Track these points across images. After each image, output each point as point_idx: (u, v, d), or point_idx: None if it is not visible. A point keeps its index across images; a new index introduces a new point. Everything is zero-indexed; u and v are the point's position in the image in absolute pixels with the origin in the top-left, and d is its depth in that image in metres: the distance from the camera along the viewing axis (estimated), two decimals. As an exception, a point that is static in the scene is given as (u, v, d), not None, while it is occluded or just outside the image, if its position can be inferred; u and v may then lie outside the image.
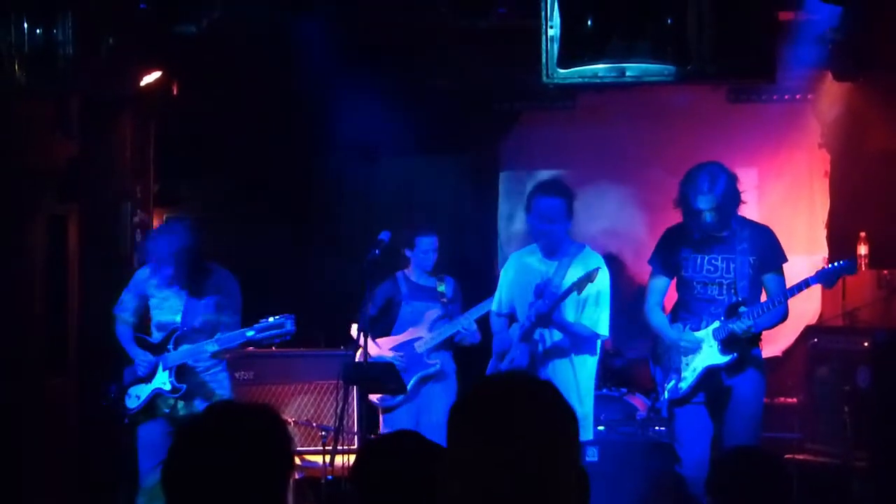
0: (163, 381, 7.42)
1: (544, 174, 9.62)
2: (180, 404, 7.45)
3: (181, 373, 7.43)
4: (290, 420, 8.58)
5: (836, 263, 6.96)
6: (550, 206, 7.21)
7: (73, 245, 8.80)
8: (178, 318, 7.48)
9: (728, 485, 3.91)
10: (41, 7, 6.67)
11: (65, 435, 8.56)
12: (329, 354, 8.66)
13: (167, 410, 7.45)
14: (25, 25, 6.65)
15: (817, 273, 6.91)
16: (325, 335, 9.03)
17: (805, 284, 6.86)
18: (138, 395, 7.48)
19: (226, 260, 7.69)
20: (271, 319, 7.35)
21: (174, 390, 7.40)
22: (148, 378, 7.45)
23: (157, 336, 7.54)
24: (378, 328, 8.17)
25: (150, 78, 8.54)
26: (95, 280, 8.64)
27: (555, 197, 7.22)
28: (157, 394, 7.44)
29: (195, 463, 2.83)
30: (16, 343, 8.18)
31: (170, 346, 7.44)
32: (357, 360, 7.65)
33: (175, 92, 9.05)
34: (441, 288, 8.28)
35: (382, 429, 7.97)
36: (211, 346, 7.38)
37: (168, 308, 7.52)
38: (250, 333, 7.35)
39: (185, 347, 7.42)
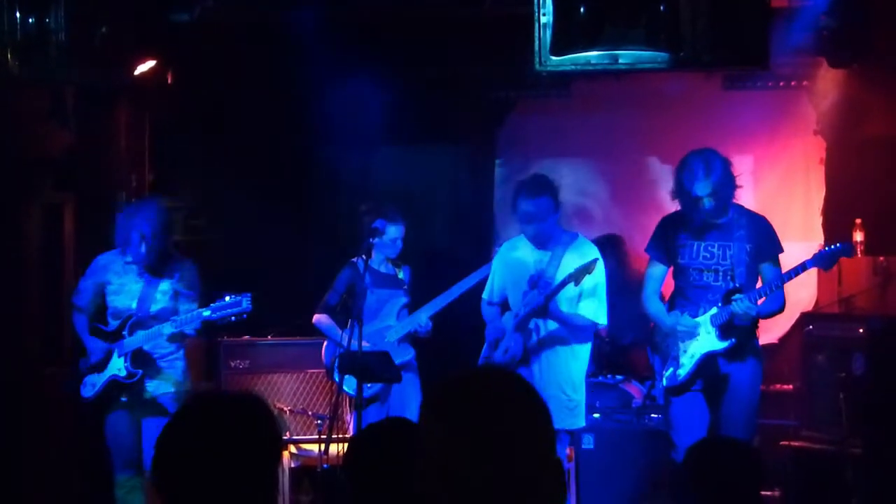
0: (118, 367, 7.34)
1: (540, 163, 9.64)
2: (137, 390, 7.38)
3: (136, 358, 7.34)
4: (285, 409, 8.59)
5: (832, 246, 6.94)
6: (534, 205, 7.21)
7: (69, 234, 8.81)
8: (134, 305, 7.41)
9: (700, 472, 3.91)
10: (34, -5, 6.68)
11: (61, 423, 8.56)
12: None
13: (125, 399, 7.39)
14: (18, 14, 6.64)
15: (814, 256, 6.89)
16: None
17: (802, 268, 6.84)
18: (94, 383, 7.42)
19: (221, 249, 7.69)
20: (227, 298, 7.25)
21: (129, 375, 7.32)
22: (101, 366, 7.39)
23: (112, 324, 7.46)
24: (341, 317, 8.06)
25: (144, 67, 8.52)
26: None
27: (537, 197, 7.22)
28: (113, 381, 7.37)
29: (183, 454, 2.83)
30: (12, 332, 8.20)
31: (125, 333, 7.36)
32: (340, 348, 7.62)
33: (170, 81, 9.04)
34: (401, 275, 8.23)
35: (354, 418, 7.90)
36: (168, 329, 7.28)
37: (125, 294, 7.44)
38: (206, 313, 7.24)
39: (140, 333, 7.34)
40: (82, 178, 8.82)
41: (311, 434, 8.42)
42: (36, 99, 8.36)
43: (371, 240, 7.76)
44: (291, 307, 9.10)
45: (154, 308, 7.42)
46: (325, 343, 8.19)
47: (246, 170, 9.97)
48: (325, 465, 7.78)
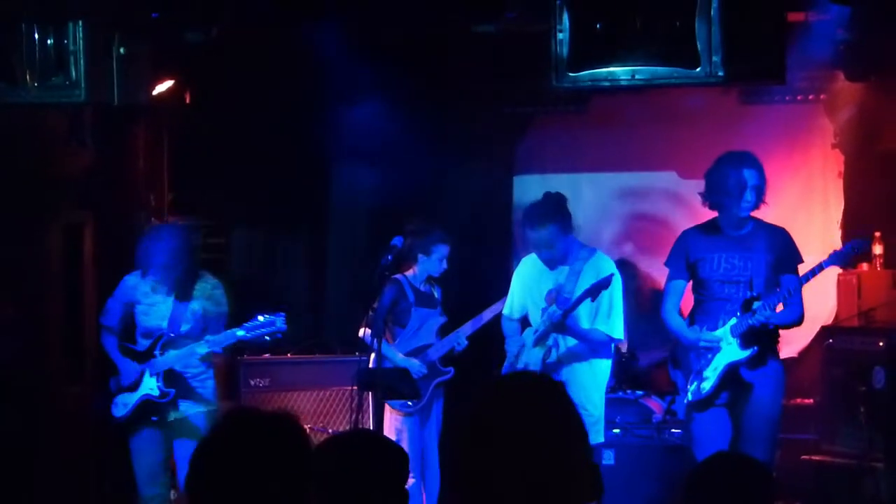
0: (150, 386, 7.36)
1: (558, 178, 9.66)
2: (168, 410, 7.40)
3: (169, 378, 7.36)
4: (305, 427, 8.60)
5: (847, 243, 6.95)
6: (541, 237, 7.23)
7: (89, 254, 8.85)
8: (165, 324, 7.42)
9: (708, 488, 3.87)
10: (52, 17, 6.70)
11: (83, 443, 8.59)
12: (344, 361, 8.66)
13: (156, 418, 7.41)
14: (36, 35, 6.69)
15: (830, 255, 6.84)
16: (340, 341, 9.04)
17: (819, 268, 6.77)
18: (125, 402, 7.44)
19: (239, 267, 7.71)
20: (261, 318, 7.25)
21: (162, 395, 7.34)
22: (134, 386, 7.42)
23: (143, 343, 7.48)
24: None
25: (162, 87, 8.56)
26: (111, 289, 8.66)
27: (543, 227, 7.21)
28: (146, 400, 7.38)
29: (218, 470, 2.84)
30: (33, 350, 8.22)
31: (156, 352, 7.38)
32: (371, 365, 7.67)
33: (188, 100, 9.08)
34: (436, 294, 8.33)
35: (396, 434, 7.95)
36: (201, 348, 7.30)
37: (155, 314, 7.46)
38: (241, 333, 7.24)
39: (172, 353, 7.37)
40: (101, 198, 8.86)
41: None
42: (55, 120, 8.40)
43: (389, 257, 7.76)
44: (310, 325, 9.12)
45: (185, 328, 7.43)
46: (373, 357, 8.23)
47: (264, 188, 10.00)
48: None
